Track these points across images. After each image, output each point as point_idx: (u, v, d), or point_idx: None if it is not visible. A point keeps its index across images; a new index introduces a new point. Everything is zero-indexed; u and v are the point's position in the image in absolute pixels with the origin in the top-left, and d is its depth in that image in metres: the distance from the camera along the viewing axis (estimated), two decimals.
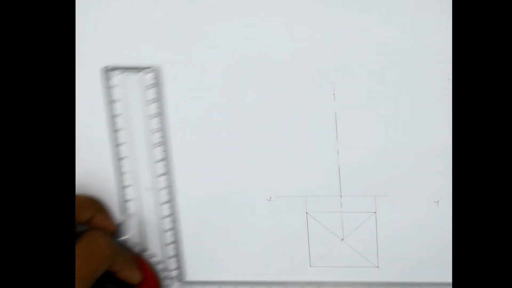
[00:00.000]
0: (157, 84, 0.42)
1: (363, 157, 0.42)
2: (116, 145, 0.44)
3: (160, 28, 0.41)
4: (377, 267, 0.44)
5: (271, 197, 0.44)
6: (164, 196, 0.45)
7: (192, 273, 0.46)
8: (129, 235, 0.45)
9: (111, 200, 0.45)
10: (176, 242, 0.45)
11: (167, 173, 0.44)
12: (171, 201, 0.44)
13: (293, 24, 0.40)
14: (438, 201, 0.42)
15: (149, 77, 0.42)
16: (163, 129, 0.43)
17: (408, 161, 0.42)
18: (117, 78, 0.42)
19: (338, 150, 0.42)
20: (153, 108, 0.43)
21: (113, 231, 0.44)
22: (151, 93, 0.42)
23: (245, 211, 0.44)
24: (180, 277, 0.46)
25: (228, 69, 0.41)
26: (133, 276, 0.43)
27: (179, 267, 0.46)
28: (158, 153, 0.44)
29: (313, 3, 0.40)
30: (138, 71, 0.42)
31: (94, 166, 0.44)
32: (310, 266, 0.45)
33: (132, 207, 0.45)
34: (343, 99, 0.41)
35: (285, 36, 0.40)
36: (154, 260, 0.46)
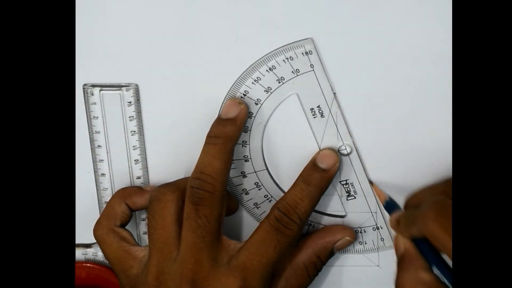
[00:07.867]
0: (137, 101, 0.42)
1: (363, 156, 0.42)
2: (96, 161, 0.44)
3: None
4: (378, 266, 0.44)
5: (271, 197, 0.43)
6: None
7: None
8: None
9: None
10: None
11: None
12: None
13: (291, 27, 0.39)
14: None
15: (128, 94, 0.42)
16: (141, 146, 0.43)
17: (409, 161, 0.42)
18: (96, 95, 0.42)
19: (339, 149, 0.42)
20: (132, 125, 0.43)
21: None
22: (130, 110, 0.42)
23: (244, 210, 0.44)
24: None
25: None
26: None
27: None
28: (136, 169, 0.44)
29: (313, 2, 0.39)
30: (118, 89, 0.42)
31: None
32: None
33: None
34: (343, 98, 0.41)
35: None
36: None
